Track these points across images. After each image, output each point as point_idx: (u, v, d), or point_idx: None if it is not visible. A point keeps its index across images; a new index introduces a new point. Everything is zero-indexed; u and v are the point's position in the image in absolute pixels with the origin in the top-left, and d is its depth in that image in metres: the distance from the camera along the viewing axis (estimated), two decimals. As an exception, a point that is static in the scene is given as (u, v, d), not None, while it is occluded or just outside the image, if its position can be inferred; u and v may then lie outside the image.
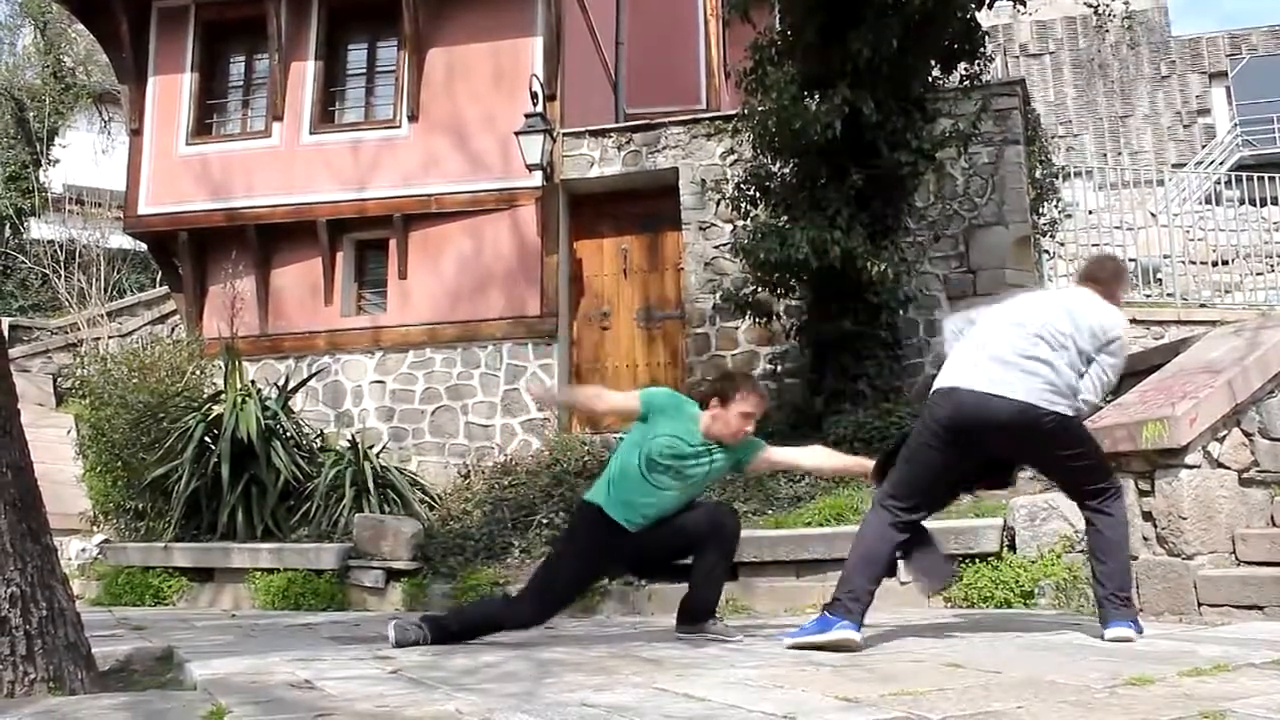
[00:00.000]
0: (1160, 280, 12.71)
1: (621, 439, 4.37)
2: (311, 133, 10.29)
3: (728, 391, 4.08)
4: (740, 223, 8.30)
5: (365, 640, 4.42)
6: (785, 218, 7.56)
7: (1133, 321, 11.01)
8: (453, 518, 7.46)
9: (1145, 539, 4.35)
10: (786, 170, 7.79)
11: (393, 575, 6.51)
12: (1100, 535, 3.73)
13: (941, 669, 3.05)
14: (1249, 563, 4.15)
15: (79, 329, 13.28)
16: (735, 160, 8.40)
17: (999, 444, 3.69)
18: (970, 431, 3.61)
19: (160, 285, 13.83)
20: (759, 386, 4.27)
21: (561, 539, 4.31)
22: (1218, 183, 17.54)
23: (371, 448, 8.19)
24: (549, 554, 4.40)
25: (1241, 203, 14.50)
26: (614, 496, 4.05)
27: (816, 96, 7.15)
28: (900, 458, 3.76)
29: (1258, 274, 13.20)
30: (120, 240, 15.14)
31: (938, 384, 3.75)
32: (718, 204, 8.79)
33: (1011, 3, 8.05)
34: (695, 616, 4.21)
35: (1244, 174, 15.26)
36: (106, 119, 20.11)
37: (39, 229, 17.41)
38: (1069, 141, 23.14)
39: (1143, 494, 4.38)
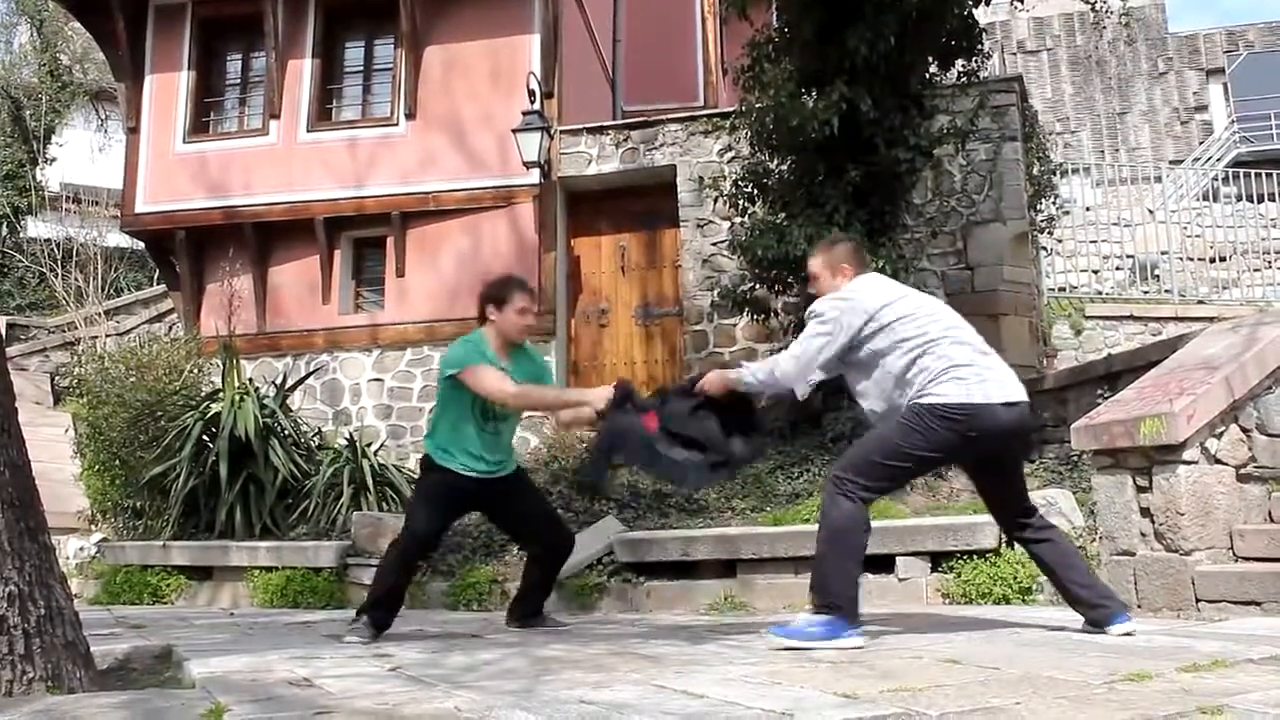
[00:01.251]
0: (1158, 277, 12.73)
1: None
2: (309, 131, 10.29)
3: (502, 295, 4.34)
4: (738, 220, 8.30)
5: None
6: (783, 214, 7.55)
7: (1130, 318, 11.10)
8: (451, 515, 7.45)
9: (1143, 535, 4.36)
10: (784, 167, 7.78)
11: (391, 573, 6.50)
12: (1057, 545, 3.73)
13: (940, 665, 3.05)
14: (1247, 558, 4.16)
15: (76, 327, 13.27)
16: (733, 157, 8.41)
17: (1002, 448, 3.67)
18: (994, 440, 3.57)
19: (157, 284, 13.84)
20: (528, 285, 4.51)
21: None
22: (1215, 179, 17.56)
23: (369, 445, 8.19)
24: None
25: (1239, 199, 14.52)
26: (454, 450, 4.26)
27: (814, 93, 7.14)
28: (879, 457, 3.57)
29: (1255, 270, 13.22)
30: (117, 239, 15.14)
31: (943, 395, 3.50)
32: (715, 201, 8.79)
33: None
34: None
35: (1241, 170, 15.29)
36: (103, 117, 20.09)
37: (36, 227, 17.40)
38: (1066, 138, 23.15)
39: (1140, 490, 4.39)
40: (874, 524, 5.35)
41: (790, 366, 3.69)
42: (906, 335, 3.59)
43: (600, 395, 4.04)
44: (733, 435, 3.89)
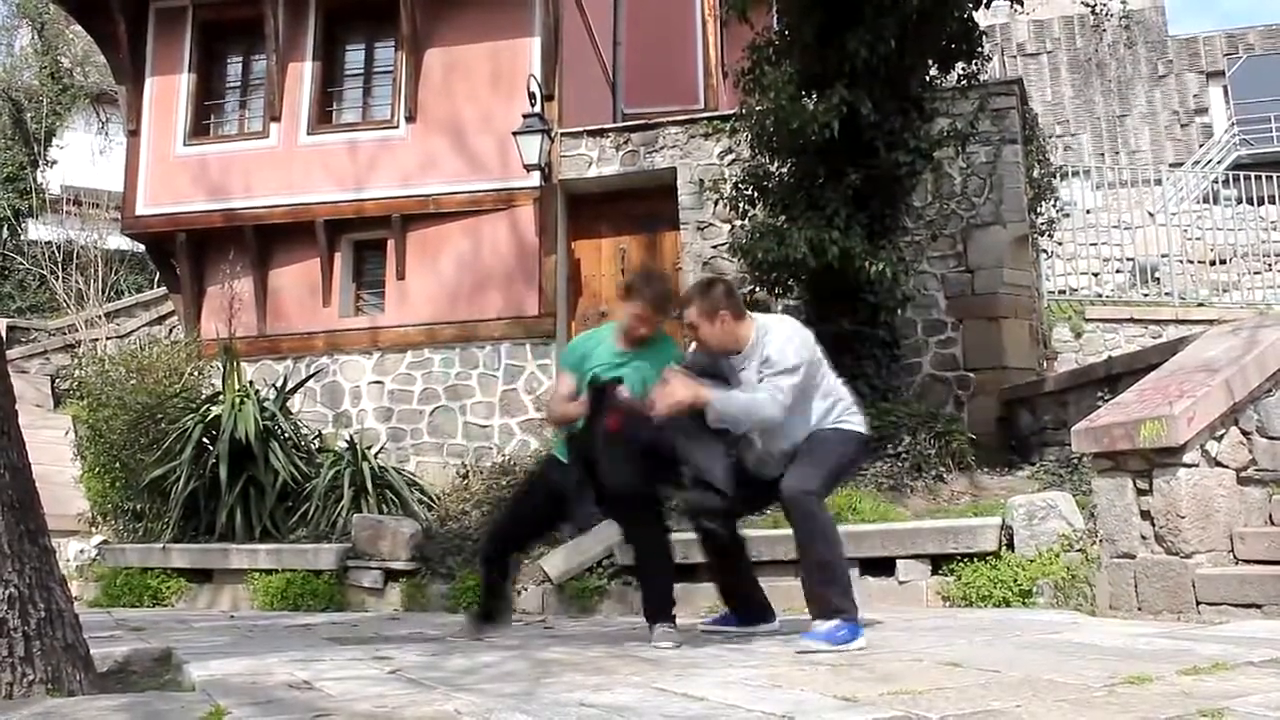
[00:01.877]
0: (1158, 279, 12.73)
1: None
2: (309, 133, 10.29)
3: (628, 290, 4.15)
4: (738, 223, 8.30)
5: (364, 640, 4.42)
6: (783, 217, 7.55)
7: (1131, 320, 11.10)
8: (451, 518, 7.45)
9: (1143, 538, 4.35)
10: (784, 170, 7.78)
11: (391, 576, 6.51)
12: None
13: (940, 668, 3.05)
14: (1247, 561, 4.16)
15: (77, 330, 13.27)
16: (733, 160, 8.40)
17: None
18: None
19: (158, 286, 13.83)
20: (660, 291, 4.13)
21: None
22: (1215, 182, 17.57)
23: (370, 448, 8.18)
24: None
25: (1239, 202, 14.53)
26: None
27: (814, 96, 7.14)
28: (834, 470, 3.87)
29: (1255, 273, 13.22)
30: (118, 241, 15.15)
31: (858, 425, 3.92)
32: (716, 204, 8.78)
33: (1009, 2, 8.04)
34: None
35: (1241, 173, 15.31)
36: (104, 120, 20.10)
37: (37, 230, 17.40)
38: (1066, 141, 23.18)
39: (1141, 493, 4.38)
40: (876, 527, 5.43)
41: (775, 411, 3.67)
42: (826, 374, 3.91)
43: (579, 407, 3.95)
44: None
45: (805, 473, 3.73)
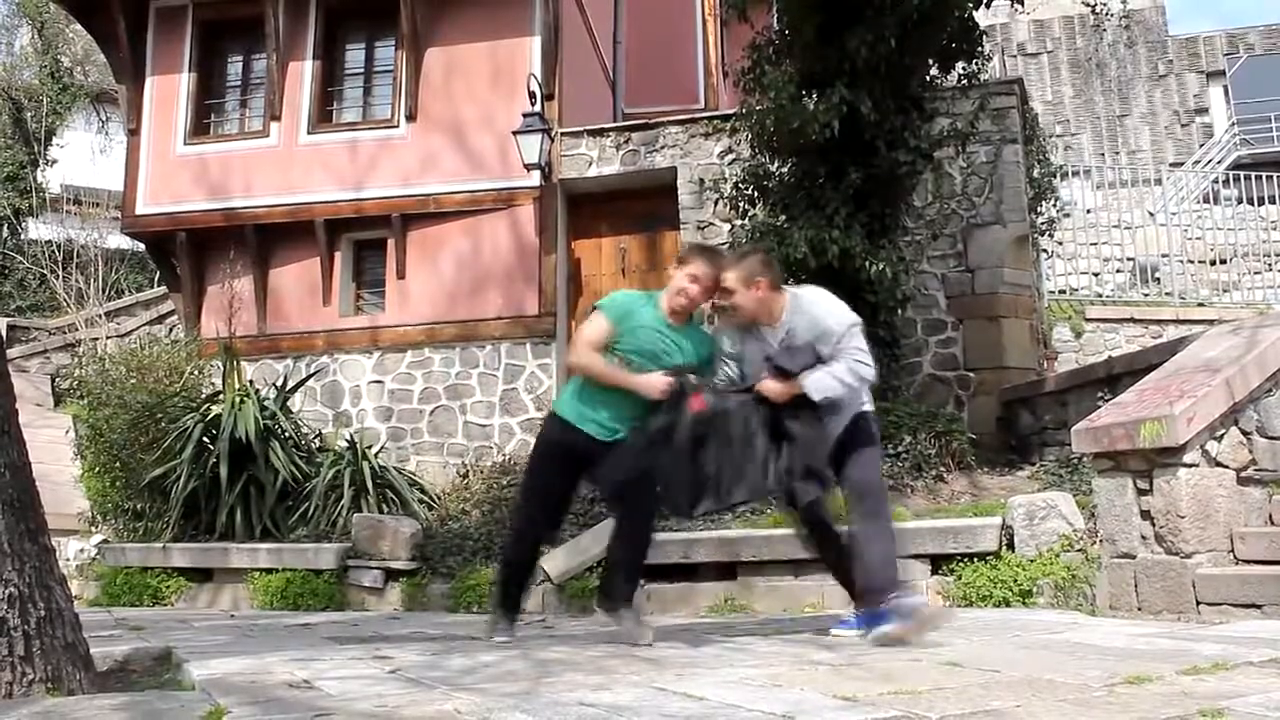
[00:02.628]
0: (1158, 279, 12.74)
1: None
2: (309, 133, 10.28)
3: (682, 258, 4.08)
4: (738, 222, 8.30)
5: (364, 640, 4.42)
6: (783, 217, 7.55)
7: (1131, 320, 11.10)
8: (451, 517, 7.46)
9: (1144, 538, 4.36)
10: (784, 169, 7.78)
11: (391, 575, 6.51)
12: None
13: (940, 668, 3.05)
14: (1247, 561, 4.16)
15: (77, 329, 13.30)
16: (733, 159, 8.39)
17: None
18: None
19: (158, 285, 13.85)
20: (713, 258, 3.99)
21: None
22: (1215, 182, 17.57)
23: (370, 447, 8.18)
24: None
25: (1239, 201, 14.54)
26: (582, 405, 4.00)
27: (814, 95, 7.13)
28: (877, 468, 3.97)
29: (1256, 273, 13.23)
30: (118, 240, 15.18)
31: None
32: (716, 203, 8.78)
33: (1009, 2, 8.04)
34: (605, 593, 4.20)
35: (1242, 173, 15.31)
36: (104, 119, 20.12)
37: (37, 229, 17.42)
38: (1067, 140, 23.17)
39: (1141, 493, 4.39)
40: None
41: (869, 370, 3.79)
42: None
43: (652, 384, 3.77)
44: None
45: (868, 464, 3.85)
